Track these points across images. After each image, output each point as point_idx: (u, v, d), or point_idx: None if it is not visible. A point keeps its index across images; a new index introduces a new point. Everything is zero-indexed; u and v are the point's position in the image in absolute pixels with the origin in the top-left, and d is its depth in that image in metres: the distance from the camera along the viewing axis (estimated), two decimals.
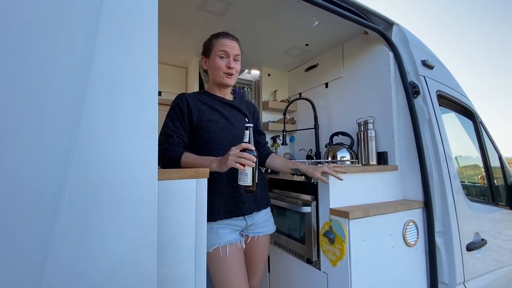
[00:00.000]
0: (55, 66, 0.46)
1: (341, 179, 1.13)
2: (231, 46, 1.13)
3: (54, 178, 0.44)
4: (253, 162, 0.93)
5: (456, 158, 1.53)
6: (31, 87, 0.44)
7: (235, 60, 1.15)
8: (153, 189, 0.50)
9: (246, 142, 0.95)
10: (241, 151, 0.93)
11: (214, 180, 1.07)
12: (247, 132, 0.99)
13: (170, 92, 2.17)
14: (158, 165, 1.02)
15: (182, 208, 0.73)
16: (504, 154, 1.93)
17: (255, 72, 2.52)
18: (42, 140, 0.44)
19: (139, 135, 0.50)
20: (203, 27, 1.63)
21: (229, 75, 1.14)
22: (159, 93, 2.12)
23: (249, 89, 2.60)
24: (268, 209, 1.22)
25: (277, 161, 1.28)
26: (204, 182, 0.77)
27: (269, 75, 2.25)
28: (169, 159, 1.01)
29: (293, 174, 1.32)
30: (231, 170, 1.02)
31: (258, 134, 1.32)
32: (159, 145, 1.02)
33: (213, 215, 1.04)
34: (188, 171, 0.75)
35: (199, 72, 2.14)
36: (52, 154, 0.44)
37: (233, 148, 0.95)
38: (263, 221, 1.17)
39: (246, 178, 0.95)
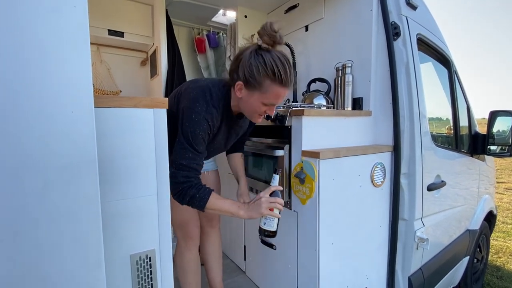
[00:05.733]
0: None
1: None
2: (284, 97, 0.91)
3: None
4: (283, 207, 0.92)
5: (428, 106, 1.55)
6: None
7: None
8: (87, 101, 0.43)
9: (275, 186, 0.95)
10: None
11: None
12: (276, 176, 0.96)
13: (134, 33, 1.94)
14: (175, 196, 0.90)
15: (139, 139, 0.67)
16: (479, 116, 1.99)
17: (231, 15, 2.29)
18: None
19: (62, 38, 0.41)
20: None
21: (261, 116, 0.97)
22: (122, 34, 1.89)
23: (224, 35, 2.40)
24: None
25: (233, 160, 1.30)
26: (163, 113, 0.70)
27: (245, 16, 2.05)
28: (192, 198, 0.90)
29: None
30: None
31: (245, 134, 1.30)
32: (178, 175, 0.89)
33: None
34: (143, 99, 0.67)
35: (166, 11, 1.91)
36: None
37: (262, 194, 0.93)
38: (208, 161, 1.30)
39: (273, 224, 0.92)
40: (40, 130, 0.41)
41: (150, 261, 0.72)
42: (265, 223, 0.93)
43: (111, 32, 1.85)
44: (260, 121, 1.00)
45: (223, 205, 0.93)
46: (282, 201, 0.93)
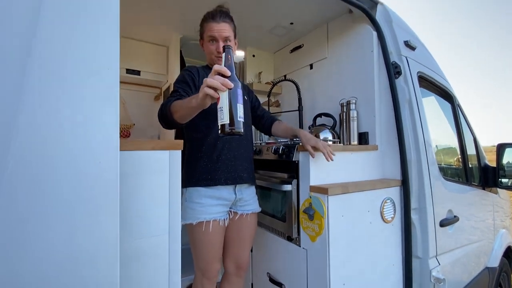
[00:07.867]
0: None
1: (330, 160, 1.12)
2: (219, 30, 1.09)
3: None
4: (226, 87, 0.70)
5: (434, 140, 1.57)
6: None
7: (225, 42, 1.14)
8: (113, 152, 0.47)
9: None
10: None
11: (216, 148, 1.10)
12: (223, 55, 0.78)
13: (150, 72, 2.08)
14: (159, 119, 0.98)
15: (154, 180, 0.70)
16: (484, 143, 2.00)
17: (240, 54, 2.45)
18: None
19: (96, 96, 0.46)
20: (182, 2, 1.55)
21: (217, 57, 1.14)
22: (138, 73, 2.03)
23: None
24: (254, 188, 1.27)
25: (279, 128, 1.37)
26: (177, 155, 0.74)
27: (253, 56, 2.19)
28: (162, 107, 0.97)
29: (292, 139, 1.41)
30: (227, 139, 1.10)
31: (258, 109, 1.40)
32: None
33: (214, 180, 1.08)
34: (161, 142, 0.71)
35: (180, 51, 2.06)
36: None
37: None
38: (250, 198, 1.21)
39: (222, 114, 0.71)
40: (70, 179, 0.45)
41: None
42: (219, 117, 0.72)
43: (129, 71, 2.00)
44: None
45: (183, 101, 0.91)
46: (222, 79, 0.71)
